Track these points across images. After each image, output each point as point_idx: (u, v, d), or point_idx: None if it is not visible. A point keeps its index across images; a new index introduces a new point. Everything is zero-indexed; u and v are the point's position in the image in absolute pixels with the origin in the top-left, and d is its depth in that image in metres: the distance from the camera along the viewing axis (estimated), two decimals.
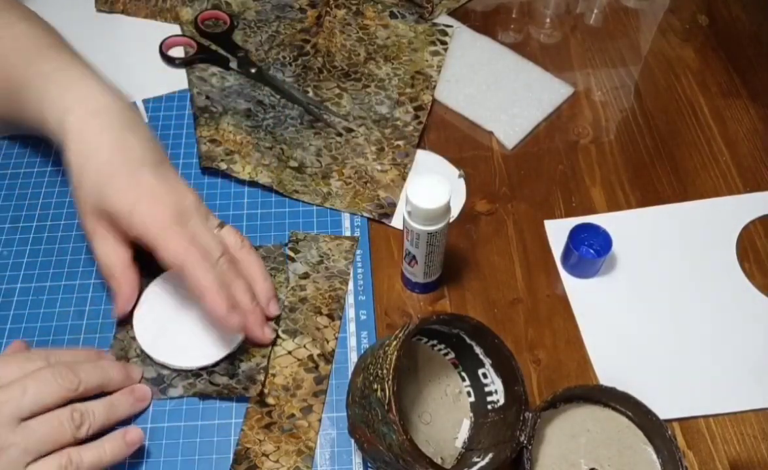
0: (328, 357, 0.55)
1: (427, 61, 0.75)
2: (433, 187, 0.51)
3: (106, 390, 0.51)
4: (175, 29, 0.78)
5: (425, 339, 0.53)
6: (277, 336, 0.56)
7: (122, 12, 0.79)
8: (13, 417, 0.46)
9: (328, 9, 0.79)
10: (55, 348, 0.55)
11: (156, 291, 0.57)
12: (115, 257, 0.55)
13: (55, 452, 0.46)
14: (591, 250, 0.61)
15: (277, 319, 0.57)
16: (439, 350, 0.53)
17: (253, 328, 0.54)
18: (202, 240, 0.53)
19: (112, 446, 0.49)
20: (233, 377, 0.54)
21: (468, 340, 0.51)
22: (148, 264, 0.60)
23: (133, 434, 0.50)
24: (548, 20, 0.81)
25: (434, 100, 0.72)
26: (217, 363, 0.54)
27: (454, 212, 0.64)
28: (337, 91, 0.72)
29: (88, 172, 0.54)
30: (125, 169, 0.54)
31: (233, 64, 0.74)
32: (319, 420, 0.53)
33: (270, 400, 0.53)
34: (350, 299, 0.59)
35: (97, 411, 0.49)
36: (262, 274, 0.57)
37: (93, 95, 0.57)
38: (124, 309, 0.56)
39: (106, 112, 0.57)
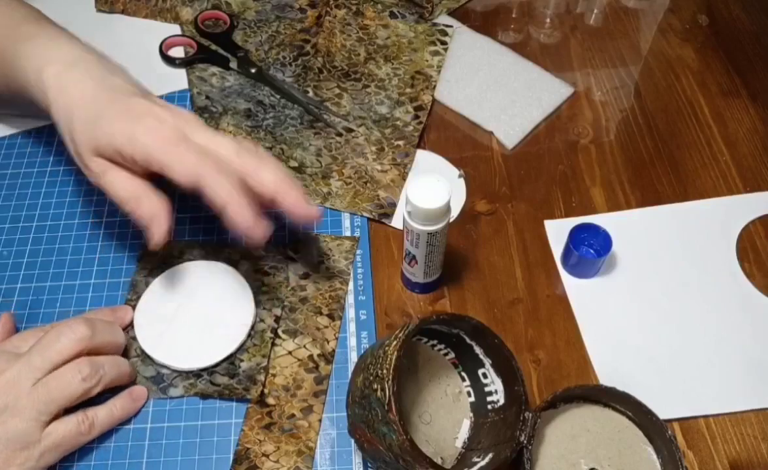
0: (328, 357, 0.55)
1: (427, 61, 0.75)
2: (433, 187, 0.51)
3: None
4: (175, 29, 0.78)
5: (425, 339, 0.53)
6: (278, 336, 0.56)
7: (122, 12, 0.79)
8: (29, 380, 0.48)
9: (328, 9, 0.79)
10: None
11: (156, 291, 0.57)
12: (133, 183, 0.52)
13: (70, 412, 0.49)
14: (591, 250, 0.61)
15: (277, 319, 0.57)
16: (439, 350, 0.53)
17: (296, 213, 0.52)
18: (210, 151, 0.51)
19: (121, 403, 0.52)
20: (234, 377, 0.54)
21: (468, 340, 0.51)
22: (149, 264, 0.60)
23: (138, 391, 0.53)
24: (548, 20, 0.81)
25: (434, 100, 0.72)
26: (217, 364, 0.54)
27: (454, 212, 0.64)
28: (337, 91, 0.72)
29: (78, 116, 0.52)
30: (115, 101, 0.52)
31: (233, 64, 0.74)
32: (320, 420, 0.53)
33: (270, 400, 0.53)
34: (350, 299, 0.59)
35: (107, 365, 0.51)
36: (275, 165, 0.53)
37: (68, 49, 0.56)
38: (161, 234, 0.51)
39: (83, 61, 0.55)
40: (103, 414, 0.51)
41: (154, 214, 0.52)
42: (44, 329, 0.52)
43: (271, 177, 0.52)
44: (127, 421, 0.52)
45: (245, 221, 0.50)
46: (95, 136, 0.52)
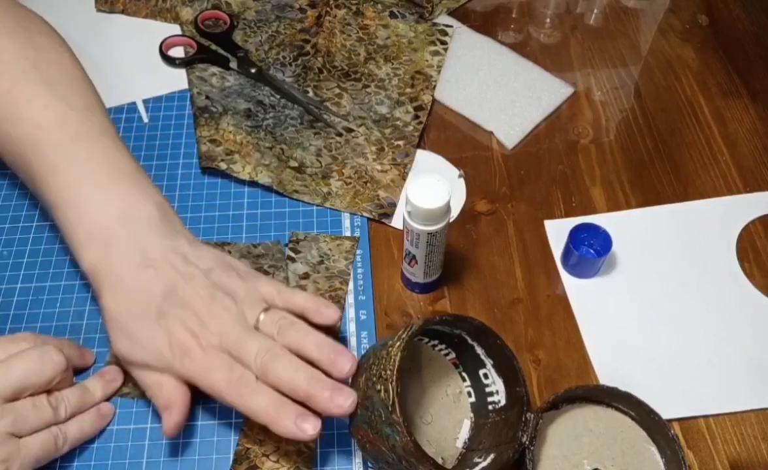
0: None
1: (427, 61, 0.75)
2: (433, 187, 0.51)
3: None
4: (175, 29, 0.77)
5: (426, 340, 0.53)
6: None
7: (122, 12, 0.79)
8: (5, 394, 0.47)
9: (328, 9, 0.79)
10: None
11: None
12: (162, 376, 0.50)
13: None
14: (591, 250, 0.61)
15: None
16: (440, 350, 0.53)
17: (329, 410, 0.47)
18: (232, 340, 0.48)
19: (90, 419, 0.51)
20: None
21: (469, 341, 0.51)
22: None
23: (105, 408, 0.52)
24: (548, 20, 0.81)
25: (434, 100, 0.72)
26: None
27: (454, 212, 0.64)
28: (337, 91, 0.72)
29: (123, 323, 0.51)
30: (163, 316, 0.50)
31: (233, 64, 0.74)
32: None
33: None
34: (350, 299, 0.59)
35: (71, 396, 0.51)
36: (306, 330, 0.49)
37: (121, 203, 0.53)
38: (171, 425, 0.50)
39: (138, 223, 0.52)
40: (73, 431, 0.50)
41: (169, 402, 0.50)
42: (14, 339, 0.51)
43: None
44: (127, 422, 0.52)
45: (288, 431, 0.46)
46: (142, 358, 0.50)
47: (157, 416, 0.53)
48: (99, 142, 0.56)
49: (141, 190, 0.54)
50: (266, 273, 0.59)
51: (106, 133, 0.57)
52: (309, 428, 0.46)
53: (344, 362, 0.47)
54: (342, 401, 0.46)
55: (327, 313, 0.51)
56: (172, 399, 0.49)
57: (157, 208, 0.53)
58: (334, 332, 0.54)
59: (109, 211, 0.52)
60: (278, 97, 0.71)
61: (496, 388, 0.51)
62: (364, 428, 0.46)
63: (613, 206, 0.65)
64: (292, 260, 0.60)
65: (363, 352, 0.54)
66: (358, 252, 0.61)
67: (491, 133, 0.70)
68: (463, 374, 0.53)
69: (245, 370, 0.48)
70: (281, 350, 0.48)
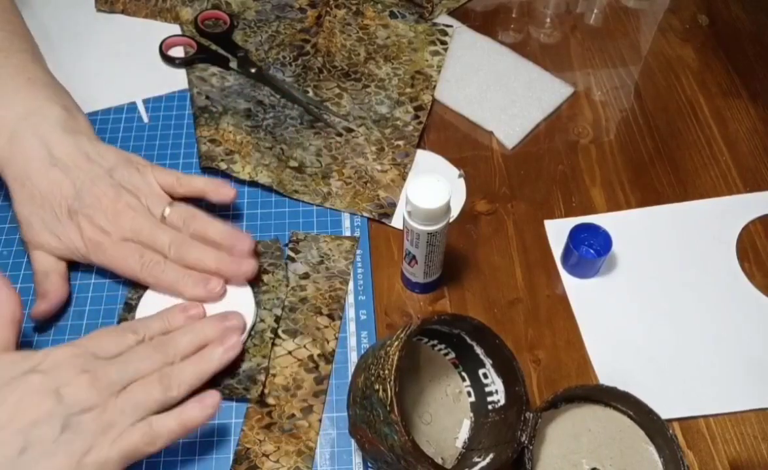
0: (328, 357, 0.55)
1: (427, 60, 0.75)
2: (433, 187, 0.51)
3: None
4: (175, 29, 0.78)
5: (426, 339, 0.53)
6: (278, 336, 0.56)
7: (122, 12, 0.79)
8: (114, 389, 0.47)
9: (328, 9, 0.79)
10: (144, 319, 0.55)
11: (156, 293, 0.57)
12: (49, 263, 0.57)
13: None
14: (591, 250, 0.61)
15: (277, 319, 0.57)
16: (440, 350, 0.53)
17: (234, 277, 0.56)
18: (144, 235, 0.56)
19: (190, 412, 0.49)
20: (234, 377, 0.54)
21: (469, 340, 0.51)
22: None
23: (211, 398, 0.49)
24: (548, 20, 0.81)
25: (434, 100, 0.72)
26: None
27: (454, 212, 0.64)
28: (337, 91, 0.72)
29: (25, 197, 0.57)
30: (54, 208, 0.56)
31: (233, 64, 0.74)
32: (320, 420, 0.53)
33: (270, 400, 0.53)
34: (350, 299, 0.59)
35: (187, 374, 0.50)
36: (208, 221, 0.57)
37: (25, 99, 0.58)
38: (46, 310, 0.56)
39: (37, 117, 0.58)
40: (167, 430, 0.48)
41: (48, 291, 0.56)
42: (132, 331, 0.51)
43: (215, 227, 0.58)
44: None
45: (200, 296, 0.56)
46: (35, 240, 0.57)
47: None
48: (16, 56, 0.61)
49: (50, 94, 0.59)
50: (266, 271, 0.59)
51: (26, 51, 0.62)
52: (215, 285, 0.55)
53: (243, 241, 0.56)
54: (246, 267, 0.56)
55: (224, 192, 0.59)
56: (50, 291, 0.56)
57: (64, 110, 0.59)
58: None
59: (15, 109, 0.57)
60: (278, 97, 0.71)
61: (496, 388, 0.51)
62: (363, 428, 0.46)
63: (613, 206, 0.65)
64: (292, 260, 0.60)
65: (362, 352, 0.55)
66: (358, 252, 0.61)
67: (491, 133, 0.70)
68: (463, 374, 0.53)
69: (155, 254, 0.56)
70: (189, 239, 0.56)
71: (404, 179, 0.66)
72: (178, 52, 0.75)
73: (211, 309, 0.56)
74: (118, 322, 0.57)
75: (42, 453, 0.44)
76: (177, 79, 0.73)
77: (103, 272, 0.59)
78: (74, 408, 0.45)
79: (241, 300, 0.57)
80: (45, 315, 0.56)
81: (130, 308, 0.57)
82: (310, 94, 0.72)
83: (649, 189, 0.66)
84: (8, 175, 0.57)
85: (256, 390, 0.53)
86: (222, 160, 0.65)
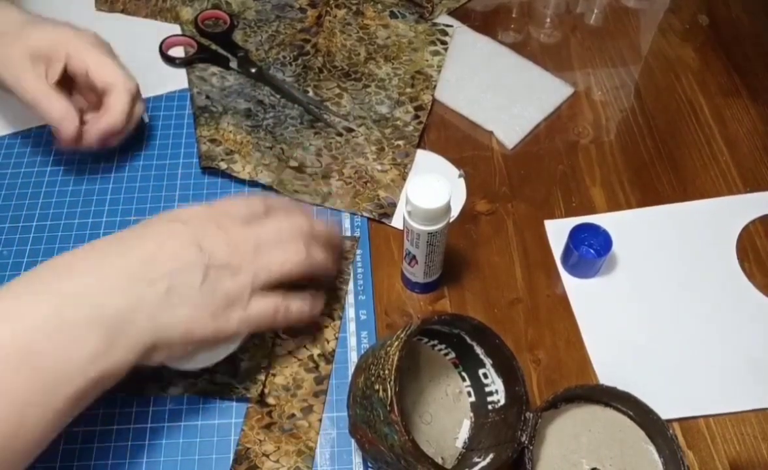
0: (328, 357, 0.55)
1: (427, 60, 0.75)
2: (433, 187, 0.51)
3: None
4: (175, 29, 0.78)
5: (426, 339, 0.53)
6: (278, 336, 0.56)
7: (122, 12, 0.79)
8: (254, 246, 0.49)
9: (328, 9, 0.79)
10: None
11: None
12: (46, 85, 0.60)
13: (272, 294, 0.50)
14: (591, 250, 0.61)
15: None
16: (440, 350, 0.53)
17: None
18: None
19: (311, 300, 0.53)
20: (234, 376, 0.54)
21: (469, 340, 0.51)
22: None
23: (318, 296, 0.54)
24: (548, 20, 0.81)
25: (434, 100, 0.72)
26: (218, 363, 0.54)
27: (454, 212, 0.64)
28: (337, 90, 0.72)
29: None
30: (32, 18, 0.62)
31: (233, 64, 0.74)
32: (320, 420, 0.53)
33: (270, 400, 0.53)
34: (350, 299, 0.59)
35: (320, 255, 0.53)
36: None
37: None
38: (70, 129, 0.61)
39: None
40: (296, 306, 0.52)
41: (61, 114, 0.60)
42: (262, 202, 0.52)
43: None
44: (127, 422, 0.52)
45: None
46: (26, 43, 0.60)
47: (157, 416, 0.53)
48: None
49: None
50: None
51: None
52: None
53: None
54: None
55: None
56: (64, 111, 0.61)
57: None
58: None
59: None
60: (278, 96, 0.71)
61: (496, 388, 0.51)
62: (364, 428, 0.46)
63: (613, 206, 0.65)
64: None
65: (362, 352, 0.55)
66: (358, 252, 0.61)
67: (491, 132, 0.70)
68: (463, 374, 0.53)
69: None
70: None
71: (404, 179, 0.66)
72: (178, 52, 0.75)
73: None
74: None
75: (186, 297, 0.45)
76: (177, 79, 0.73)
77: None
78: (214, 260, 0.47)
79: None
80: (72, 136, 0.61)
81: None
82: (310, 93, 0.72)
83: (649, 189, 0.66)
84: None
85: (256, 389, 0.53)
86: (222, 160, 0.65)
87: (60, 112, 0.60)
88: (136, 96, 0.64)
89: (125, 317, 0.43)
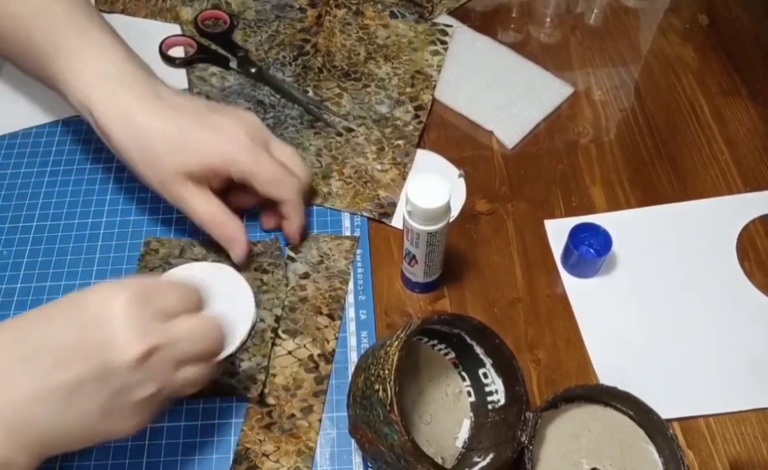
0: (328, 357, 0.55)
1: (427, 60, 0.75)
2: (433, 187, 0.51)
3: None
4: (175, 29, 0.77)
5: (426, 339, 0.53)
6: (278, 336, 0.56)
7: (122, 12, 0.79)
8: (173, 358, 0.44)
9: (328, 9, 0.79)
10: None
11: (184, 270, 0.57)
12: (216, 206, 0.57)
13: None
14: (591, 250, 0.61)
15: (277, 319, 0.57)
16: (440, 350, 0.53)
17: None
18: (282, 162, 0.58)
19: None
20: (234, 376, 0.54)
21: (469, 340, 0.51)
22: (149, 264, 0.60)
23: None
24: (548, 20, 0.81)
25: (434, 100, 0.72)
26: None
27: (454, 212, 0.64)
28: (337, 90, 0.72)
29: (156, 143, 0.55)
30: (194, 120, 0.56)
31: (233, 64, 0.74)
32: (320, 420, 0.53)
33: (270, 400, 0.53)
34: (350, 299, 0.59)
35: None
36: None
37: (115, 60, 0.57)
38: (240, 253, 0.58)
39: (133, 77, 0.56)
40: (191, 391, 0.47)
41: (233, 236, 0.58)
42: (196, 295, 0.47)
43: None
44: None
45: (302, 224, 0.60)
46: (186, 160, 0.55)
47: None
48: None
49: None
50: (265, 271, 0.59)
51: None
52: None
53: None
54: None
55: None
56: (235, 233, 0.58)
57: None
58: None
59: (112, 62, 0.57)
60: (278, 96, 0.71)
61: (496, 388, 0.51)
62: (364, 428, 0.46)
63: (613, 206, 0.65)
64: (292, 260, 0.60)
65: (362, 352, 0.55)
66: (358, 252, 0.61)
67: (491, 132, 0.70)
68: (463, 374, 0.53)
69: None
70: None
71: (404, 179, 0.66)
72: (178, 52, 0.75)
73: (212, 306, 0.56)
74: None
75: (83, 400, 0.40)
76: (177, 79, 0.73)
77: (105, 272, 0.59)
78: (121, 365, 0.41)
79: (241, 300, 0.57)
80: (244, 256, 0.58)
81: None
82: (310, 93, 0.72)
83: (649, 189, 0.66)
84: (120, 111, 0.56)
85: (256, 389, 0.53)
86: None
87: (234, 233, 0.58)
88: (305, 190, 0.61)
89: (15, 413, 0.39)
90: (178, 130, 0.55)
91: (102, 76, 0.56)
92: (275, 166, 0.57)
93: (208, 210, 0.57)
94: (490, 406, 0.51)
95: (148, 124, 0.55)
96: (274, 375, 0.54)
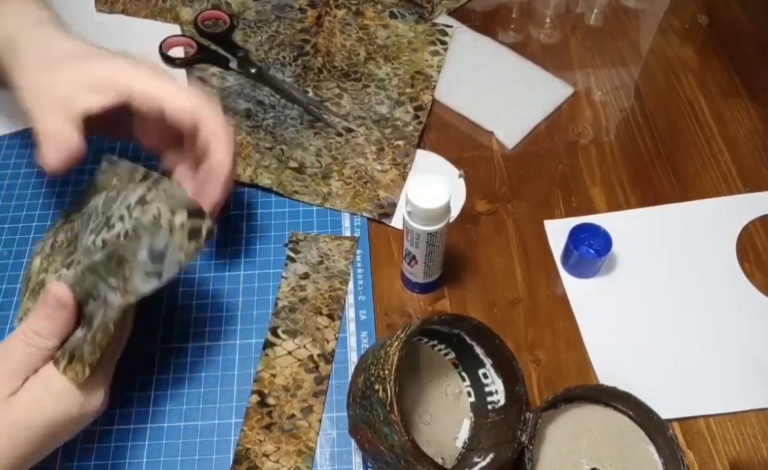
0: (328, 358, 0.55)
1: (427, 61, 0.75)
2: (433, 187, 0.51)
3: None
4: (175, 29, 0.78)
5: (426, 339, 0.53)
6: (277, 336, 0.56)
7: (122, 12, 0.79)
8: None
9: (328, 9, 0.79)
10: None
11: None
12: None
13: None
14: (591, 250, 0.61)
15: (277, 318, 0.57)
16: (440, 350, 0.53)
17: None
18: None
19: None
20: None
21: (469, 340, 0.51)
22: None
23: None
24: (548, 20, 0.81)
25: (434, 100, 0.72)
26: None
27: (454, 212, 0.64)
28: (337, 91, 0.72)
29: (63, 64, 0.52)
30: (99, 53, 0.54)
31: (233, 64, 0.74)
32: (320, 421, 0.53)
33: (270, 400, 0.53)
34: (350, 299, 0.59)
35: None
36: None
37: (36, 12, 0.56)
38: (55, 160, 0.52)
39: (52, 22, 0.55)
40: None
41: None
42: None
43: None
44: (127, 422, 0.53)
45: (231, 153, 0.52)
46: (87, 74, 0.52)
47: (157, 416, 0.53)
48: None
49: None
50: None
51: None
52: None
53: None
54: None
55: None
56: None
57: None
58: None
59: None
60: (278, 97, 0.71)
61: (496, 388, 0.51)
62: (364, 428, 0.46)
63: (613, 206, 0.65)
64: (292, 260, 0.60)
65: (362, 352, 0.55)
66: (358, 252, 0.61)
67: (491, 133, 0.70)
68: (463, 374, 0.53)
69: None
70: None
71: (404, 179, 0.66)
72: (178, 52, 0.75)
73: None
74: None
75: None
76: (177, 79, 0.73)
77: None
78: None
79: None
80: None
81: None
82: (310, 94, 0.72)
83: (649, 189, 0.66)
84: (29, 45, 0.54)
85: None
86: None
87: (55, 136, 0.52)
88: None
89: None
90: (84, 50, 0.53)
91: (25, 23, 0.55)
92: (193, 94, 0.53)
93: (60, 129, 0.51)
94: (490, 406, 0.51)
95: (60, 44, 0.54)
96: (274, 376, 0.54)
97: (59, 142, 0.51)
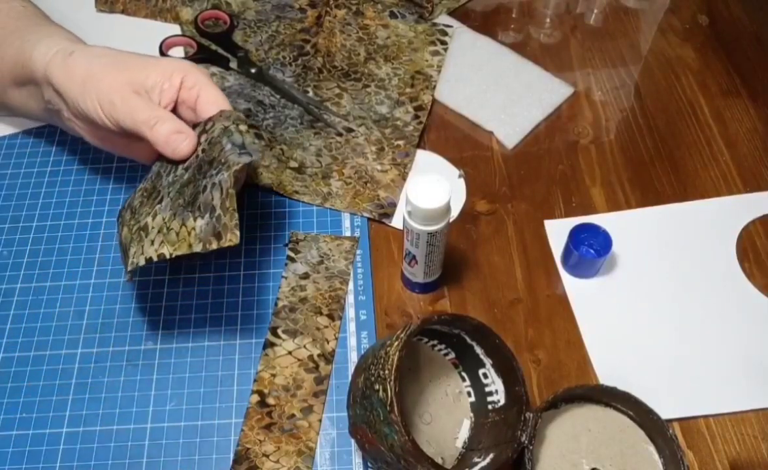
0: (328, 358, 0.55)
1: (427, 61, 0.75)
2: (433, 187, 0.51)
3: None
4: (175, 29, 0.78)
5: (426, 339, 0.53)
6: (277, 336, 0.56)
7: (122, 12, 0.79)
8: None
9: (328, 9, 0.79)
10: None
11: None
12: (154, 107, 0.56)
13: None
14: (591, 250, 0.61)
15: (277, 318, 0.57)
16: (440, 350, 0.53)
17: None
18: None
19: None
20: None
21: (469, 340, 0.51)
22: None
23: None
24: (548, 20, 0.81)
25: (434, 100, 0.72)
26: None
27: (454, 212, 0.64)
28: (337, 91, 0.72)
29: (102, 74, 0.56)
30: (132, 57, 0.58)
31: (233, 64, 0.74)
32: (320, 421, 0.53)
33: (270, 400, 0.53)
34: (350, 299, 0.59)
35: None
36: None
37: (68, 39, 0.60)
38: (193, 141, 0.56)
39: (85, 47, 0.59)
40: None
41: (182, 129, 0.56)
42: None
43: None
44: (127, 422, 0.53)
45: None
46: (129, 77, 0.56)
47: (157, 416, 0.53)
48: None
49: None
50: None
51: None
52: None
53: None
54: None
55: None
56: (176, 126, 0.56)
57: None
58: None
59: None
60: (278, 97, 0.71)
61: (496, 388, 0.51)
62: (364, 428, 0.46)
63: (613, 206, 0.65)
64: (292, 260, 0.60)
65: (362, 352, 0.55)
66: (358, 252, 0.61)
67: (491, 133, 0.70)
68: (463, 374, 0.53)
69: None
70: None
71: (404, 179, 0.66)
72: (178, 52, 0.75)
73: None
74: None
75: None
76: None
77: (105, 272, 0.59)
78: None
79: None
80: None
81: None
82: (310, 94, 0.72)
83: (649, 189, 0.66)
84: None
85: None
86: None
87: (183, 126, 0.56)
88: None
89: None
90: (120, 56, 0.58)
91: (54, 48, 0.58)
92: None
93: (156, 112, 0.55)
94: (490, 406, 0.51)
95: (92, 61, 0.57)
96: (274, 376, 0.54)
97: (180, 126, 0.56)
